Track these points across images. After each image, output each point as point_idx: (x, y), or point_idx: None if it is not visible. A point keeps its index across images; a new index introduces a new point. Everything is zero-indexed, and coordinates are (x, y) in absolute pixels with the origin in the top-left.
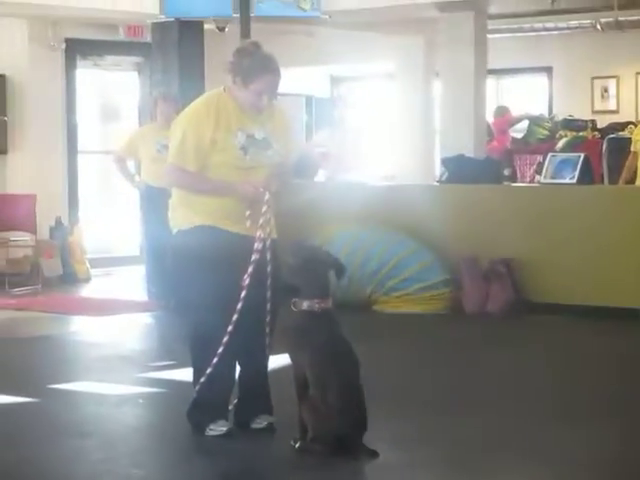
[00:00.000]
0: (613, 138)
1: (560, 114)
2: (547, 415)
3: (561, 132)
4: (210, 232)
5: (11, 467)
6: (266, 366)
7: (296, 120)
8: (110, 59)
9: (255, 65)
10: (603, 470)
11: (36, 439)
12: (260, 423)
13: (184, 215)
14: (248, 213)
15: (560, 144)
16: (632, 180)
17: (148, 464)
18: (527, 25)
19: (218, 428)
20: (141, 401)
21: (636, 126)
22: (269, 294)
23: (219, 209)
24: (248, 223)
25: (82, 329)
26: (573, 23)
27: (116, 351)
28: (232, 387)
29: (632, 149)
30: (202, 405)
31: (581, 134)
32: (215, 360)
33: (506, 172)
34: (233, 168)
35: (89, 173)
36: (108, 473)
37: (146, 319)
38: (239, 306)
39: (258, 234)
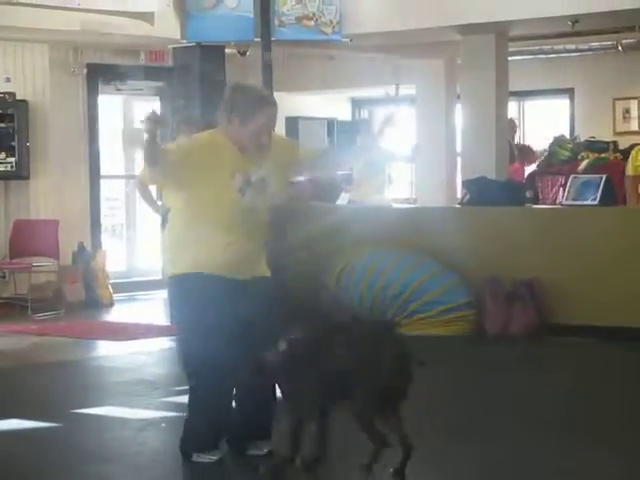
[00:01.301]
0: None
1: (582, 135)
2: (574, 439)
3: (583, 154)
4: (199, 278)
5: None
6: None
7: (318, 143)
8: (131, 84)
9: (253, 100)
10: None
11: (59, 464)
12: (260, 450)
13: (177, 260)
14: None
15: (582, 165)
16: None
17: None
18: (548, 47)
19: (207, 456)
20: (164, 425)
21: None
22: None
23: (207, 254)
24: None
25: (105, 354)
26: (594, 45)
27: (139, 375)
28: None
29: (628, 173)
30: (191, 433)
31: (603, 155)
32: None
33: (528, 194)
34: (231, 212)
35: (111, 198)
36: None
37: (169, 343)
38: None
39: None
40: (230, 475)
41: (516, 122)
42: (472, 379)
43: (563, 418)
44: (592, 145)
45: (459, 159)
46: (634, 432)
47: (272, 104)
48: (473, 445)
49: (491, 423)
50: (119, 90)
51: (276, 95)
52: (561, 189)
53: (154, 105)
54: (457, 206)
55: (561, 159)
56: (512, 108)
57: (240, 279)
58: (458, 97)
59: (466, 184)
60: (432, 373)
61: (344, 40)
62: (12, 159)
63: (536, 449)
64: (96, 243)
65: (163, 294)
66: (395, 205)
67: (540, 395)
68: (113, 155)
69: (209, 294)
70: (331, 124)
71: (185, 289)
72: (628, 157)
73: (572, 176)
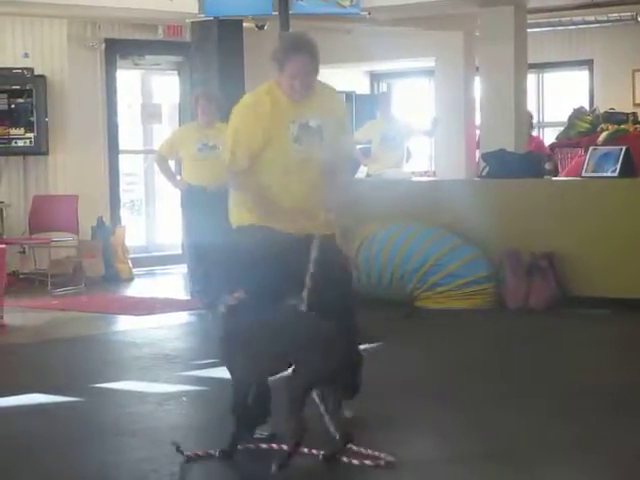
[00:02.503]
0: None
1: (601, 107)
2: (597, 409)
3: (602, 125)
4: (259, 231)
5: (55, 466)
6: None
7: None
8: (150, 59)
9: (285, 46)
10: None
11: (80, 438)
12: (261, 434)
13: (239, 213)
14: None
15: (601, 137)
16: None
17: (192, 462)
18: (567, 19)
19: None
20: (185, 399)
21: None
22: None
23: (269, 209)
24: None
25: (124, 328)
26: (613, 16)
27: (159, 350)
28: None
29: None
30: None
31: (622, 127)
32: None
33: (547, 166)
34: (286, 161)
35: (130, 173)
36: (152, 472)
37: (189, 318)
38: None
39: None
40: (251, 450)
41: (532, 114)
42: (492, 351)
43: (583, 387)
44: (611, 117)
45: (478, 132)
46: None
47: (302, 51)
48: (493, 415)
49: (512, 394)
50: (137, 65)
51: None
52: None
53: (172, 79)
54: (476, 179)
55: (580, 131)
56: (531, 80)
57: (293, 234)
58: (477, 70)
59: (485, 157)
60: (452, 346)
61: (362, 13)
62: (31, 135)
63: (556, 417)
64: (115, 218)
65: (182, 269)
66: (414, 178)
67: (560, 366)
68: (132, 130)
69: (259, 248)
70: (349, 98)
71: (237, 242)
72: None
73: (591, 148)
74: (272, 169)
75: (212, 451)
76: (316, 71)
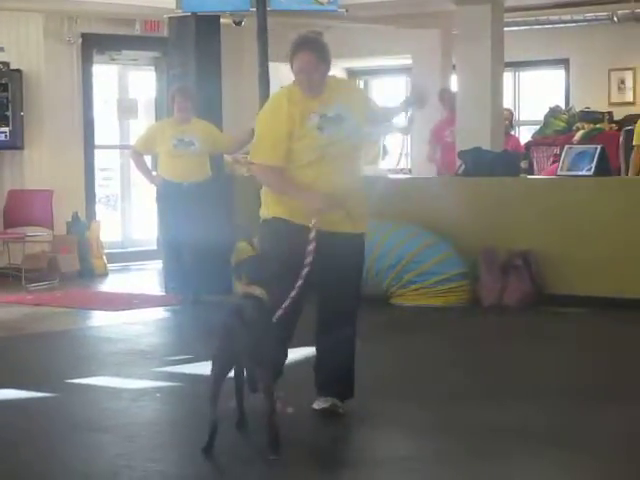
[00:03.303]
0: (630, 130)
1: (577, 106)
2: (566, 404)
3: (578, 124)
4: (278, 223)
5: (29, 462)
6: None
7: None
8: (127, 54)
9: (292, 45)
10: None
11: (54, 434)
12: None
13: (263, 208)
14: (313, 222)
15: (577, 136)
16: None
17: (166, 459)
18: (543, 18)
19: None
20: (159, 395)
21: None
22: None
23: (288, 202)
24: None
25: (100, 324)
26: (590, 15)
27: (133, 346)
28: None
29: (634, 143)
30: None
31: (598, 126)
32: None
33: (523, 164)
34: (311, 149)
35: (106, 168)
36: (126, 468)
37: (163, 314)
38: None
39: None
40: (223, 445)
41: (512, 110)
42: (466, 348)
43: (557, 384)
44: (587, 116)
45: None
46: (627, 401)
47: (305, 48)
48: (467, 411)
49: (485, 391)
50: (114, 60)
51: (271, 65)
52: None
53: (149, 75)
54: (452, 176)
55: (556, 130)
56: (507, 79)
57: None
58: (454, 67)
59: (461, 155)
60: (427, 343)
61: (340, 10)
62: (6, 129)
63: (530, 414)
64: (90, 213)
65: (157, 264)
66: (390, 175)
67: (534, 364)
68: (108, 125)
69: (283, 235)
70: None
71: (261, 234)
72: (622, 128)
73: (567, 146)
74: (300, 156)
75: None
76: (324, 68)
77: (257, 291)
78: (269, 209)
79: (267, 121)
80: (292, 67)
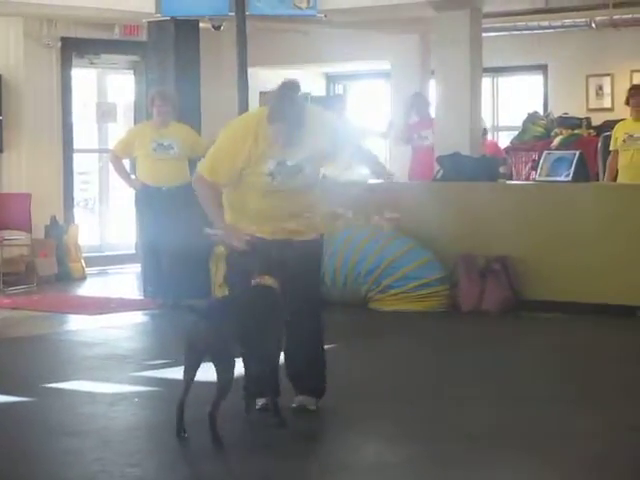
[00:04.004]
0: (608, 136)
1: (555, 112)
2: (540, 409)
3: (556, 130)
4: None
5: (5, 466)
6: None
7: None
8: (106, 58)
9: (271, 109)
10: (598, 467)
11: (30, 438)
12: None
13: (228, 218)
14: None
15: (555, 142)
16: (615, 180)
17: (143, 463)
18: (522, 24)
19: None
20: (136, 400)
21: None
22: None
23: (248, 214)
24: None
25: (77, 328)
26: (568, 21)
27: (111, 350)
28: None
29: (611, 148)
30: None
31: (576, 132)
32: None
33: (502, 170)
34: (256, 189)
35: (84, 172)
36: (103, 473)
37: (142, 318)
38: None
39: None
40: (202, 451)
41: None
42: (445, 354)
43: (533, 390)
44: (565, 121)
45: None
46: (605, 404)
47: (282, 121)
48: (445, 416)
49: (463, 396)
50: (93, 64)
51: (250, 70)
52: (534, 165)
53: (128, 79)
54: (431, 182)
55: (534, 135)
56: (486, 84)
57: (269, 240)
58: (432, 73)
59: (440, 160)
60: (405, 348)
61: (319, 15)
62: None
63: (506, 419)
64: (69, 217)
65: (136, 268)
66: (369, 181)
67: (509, 369)
68: (86, 129)
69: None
70: (305, 99)
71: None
72: (600, 134)
73: (545, 152)
74: (250, 191)
75: None
76: (298, 133)
77: (269, 281)
78: (231, 219)
79: (227, 138)
80: (268, 120)
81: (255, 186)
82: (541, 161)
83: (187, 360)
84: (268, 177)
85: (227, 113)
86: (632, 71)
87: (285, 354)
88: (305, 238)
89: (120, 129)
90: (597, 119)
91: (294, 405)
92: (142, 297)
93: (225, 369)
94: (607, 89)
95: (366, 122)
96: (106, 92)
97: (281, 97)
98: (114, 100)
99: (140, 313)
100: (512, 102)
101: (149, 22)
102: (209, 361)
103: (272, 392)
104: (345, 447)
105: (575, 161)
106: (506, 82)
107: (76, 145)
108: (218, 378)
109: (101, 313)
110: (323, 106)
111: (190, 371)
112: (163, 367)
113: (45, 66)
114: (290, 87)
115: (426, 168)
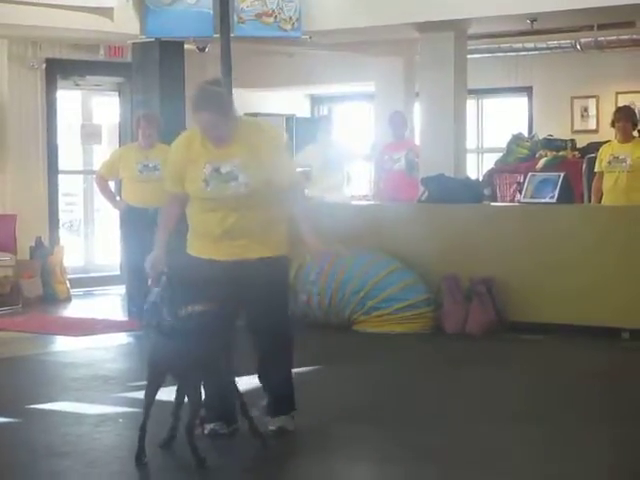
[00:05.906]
0: (593, 157)
1: (540, 134)
2: (526, 432)
3: (541, 152)
4: (188, 259)
5: None
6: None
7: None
8: (91, 79)
9: (194, 99)
10: None
11: (14, 460)
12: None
13: (189, 240)
14: None
15: (540, 164)
16: (600, 202)
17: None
18: (506, 45)
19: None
20: (121, 421)
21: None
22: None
23: (198, 231)
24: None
25: (62, 349)
26: (553, 43)
27: (96, 371)
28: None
29: (595, 170)
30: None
31: (561, 154)
32: None
33: (486, 191)
34: (197, 197)
35: (69, 193)
36: None
37: (126, 339)
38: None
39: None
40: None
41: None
42: (428, 375)
43: (516, 411)
44: (550, 143)
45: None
46: (587, 426)
47: (203, 109)
48: (428, 438)
49: (447, 418)
50: (78, 85)
51: (235, 92)
52: (519, 187)
53: (113, 100)
54: (415, 203)
55: (519, 157)
56: (470, 106)
57: (220, 260)
58: (417, 95)
59: (424, 181)
60: (389, 370)
61: (303, 37)
62: None
63: (487, 441)
64: (54, 238)
65: (121, 289)
66: (354, 202)
67: (496, 391)
68: (71, 150)
69: (191, 269)
70: (290, 120)
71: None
72: (585, 156)
73: (530, 174)
74: (193, 202)
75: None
76: (226, 122)
77: (200, 307)
78: (189, 242)
79: (173, 151)
80: (194, 119)
81: (194, 195)
82: (526, 183)
83: (148, 380)
84: (202, 183)
85: None
86: (617, 93)
87: (257, 375)
88: (262, 255)
89: (105, 150)
90: (582, 141)
91: (272, 428)
92: (127, 318)
93: (191, 388)
94: (592, 111)
95: (350, 144)
96: (91, 113)
97: (202, 88)
98: (99, 121)
99: (125, 334)
100: (497, 124)
101: (134, 43)
102: (173, 382)
103: (226, 418)
104: (328, 468)
105: (560, 183)
106: (491, 104)
107: (61, 166)
108: (187, 399)
109: (86, 334)
110: (309, 127)
111: (151, 391)
112: None
113: (30, 88)
114: (211, 82)
115: (396, 191)
